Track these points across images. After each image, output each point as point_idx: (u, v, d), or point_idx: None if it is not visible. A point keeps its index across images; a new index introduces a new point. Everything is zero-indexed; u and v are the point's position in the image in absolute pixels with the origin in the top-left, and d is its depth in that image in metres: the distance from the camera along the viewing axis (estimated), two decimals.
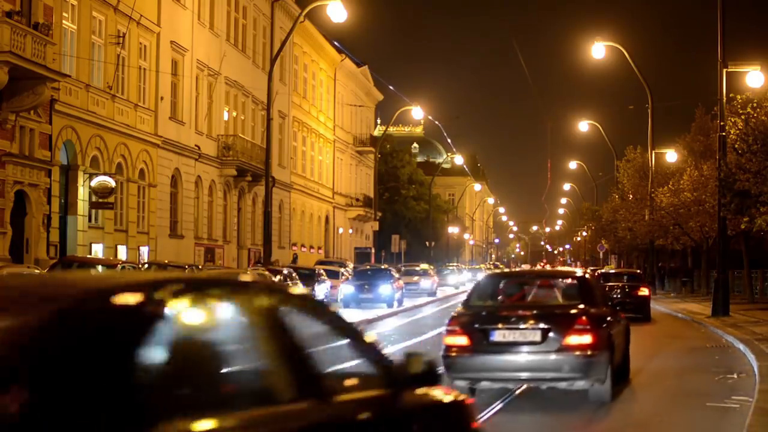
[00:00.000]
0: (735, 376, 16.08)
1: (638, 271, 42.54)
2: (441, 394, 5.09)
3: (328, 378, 4.24)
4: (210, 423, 3.32)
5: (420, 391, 4.77)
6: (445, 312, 32.25)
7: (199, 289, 3.73)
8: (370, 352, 4.64)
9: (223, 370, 3.84)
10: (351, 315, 28.43)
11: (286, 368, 3.89)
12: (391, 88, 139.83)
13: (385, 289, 36.90)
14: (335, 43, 67.07)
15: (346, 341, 4.57)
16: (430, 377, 4.79)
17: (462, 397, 5.53)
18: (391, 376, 4.58)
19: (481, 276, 73.54)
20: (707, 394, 14.05)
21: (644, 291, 30.60)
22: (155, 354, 3.28)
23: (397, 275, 40.90)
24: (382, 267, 45.16)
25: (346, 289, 37.39)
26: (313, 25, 59.88)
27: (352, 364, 4.82)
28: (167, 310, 3.42)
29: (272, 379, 3.87)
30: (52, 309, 3.21)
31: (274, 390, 3.83)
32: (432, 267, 62.01)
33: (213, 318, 3.80)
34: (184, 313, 3.53)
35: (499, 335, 11.88)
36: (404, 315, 34.51)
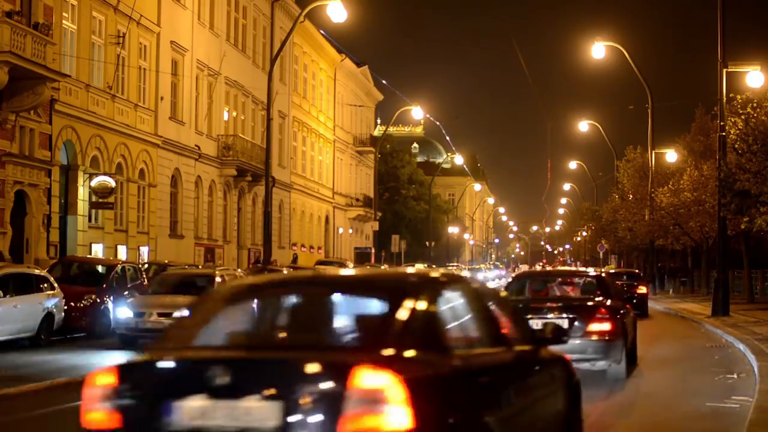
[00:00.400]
0: (735, 376, 16.09)
1: (636, 270, 43.27)
2: (557, 351, 8.19)
3: (507, 336, 7.16)
4: (465, 351, 6.18)
5: (549, 348, 7.91)
6: None
7: (451, 280, 6.99)
8: (524, 323, 7.99)
9: (465, 325, 6.59)
10: None
11: (491, 328, 6.94)
12: (391, 88, 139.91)
13: None
14: (335, 43, 67.19)
15: (511, 315, 7.55)
16: (557, 339, 7.83)
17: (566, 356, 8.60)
18: (535, 337, 7.71)
19: (481, 276, 73.55)
20: (707, 394, 14.07)
21: (642, 289, 32.98)
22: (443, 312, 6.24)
23: None
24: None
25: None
26: (313, 25, 59.88)
27: (515, 329, 7.54)
28: (444, 290, 6.54)
29: (487, 332, 6.82)
30: (413, 284, 6.39)
31: (487, 339, 6.74)
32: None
33: (457, 296, 6.70)
34: (447, 292, 6.55)
35: (532, 324, 11.64)
36: None
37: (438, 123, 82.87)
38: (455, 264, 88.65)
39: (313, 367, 5.17)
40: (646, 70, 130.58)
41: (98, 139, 33.80)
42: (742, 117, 28.51)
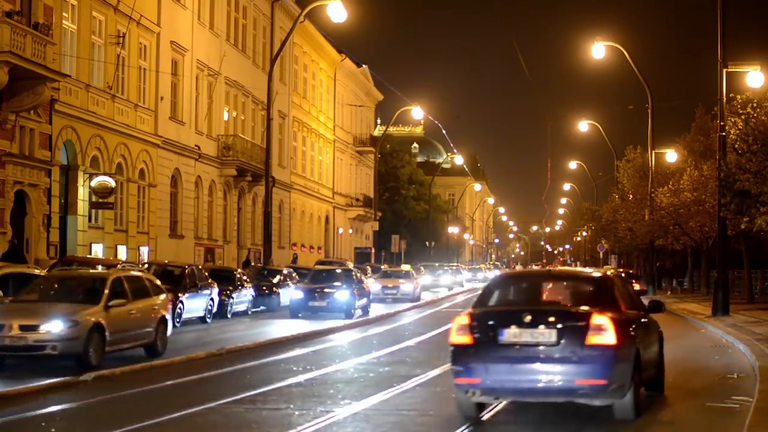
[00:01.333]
0: (735, 376, 16.09)
1: (631, 270, 43.72)
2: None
3: (637, 304, 13.04)
4: (628, 310, 12.32)
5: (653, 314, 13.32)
6: (420, 324, 30.13)
7: (616, 274, 14.16)
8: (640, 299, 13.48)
9: (624, 298, 12.64)
10: (294, 327, 25.64)
11: (631, 300, 12.89)
12: (391, 88, 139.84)
13: (341, 295, 30.17)
14: (335, 43, 67.14)
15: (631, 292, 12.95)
16: (658, 308, 13.84)
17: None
18: (646, 307, 13.56)
19: (481, 276, 72.68)
20: (707, 394, 14.07)
21: (636, 286, 34.55)
22: None
23: (363, 277, 34.62)
24: (343, 267, 37.10)
25: (294, 294, 31.00)
26: (313, 25, 59.85)
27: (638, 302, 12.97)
28: (616, 279, 13.26)
29: (630, 302, 12.59)
30: (601, 276, 12.74)
31: (631, 305, 12.47)
32: (414, 268, 56.42)
33: (620, 282, 13.20)
34: (617, 280, 13.09)
35: (518, 337, 13.67)
36: (359, 329, 27.26)
37: (438, 123, 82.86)
38: (455, 264, 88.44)
39: (573, 313, 11.41)
40: (646, 70, 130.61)
41: (98, 139, 33.79)
42: (742, 117, 28.51)
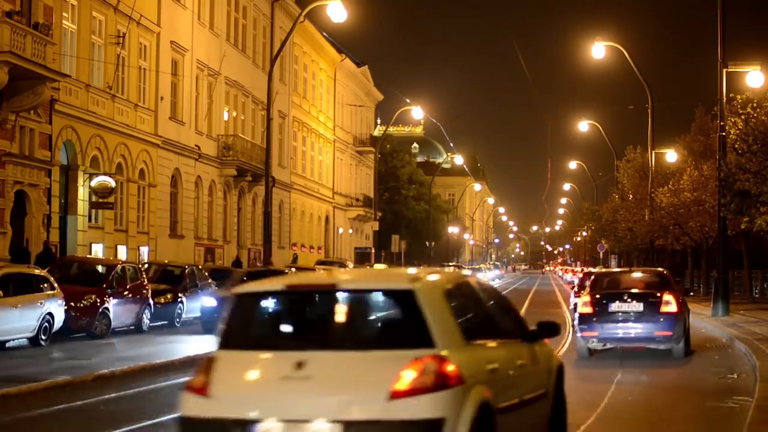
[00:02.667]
0: (735, 376, 16.09)
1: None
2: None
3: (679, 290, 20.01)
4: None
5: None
6: None
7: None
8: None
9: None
10: (198, 346, 20.07)
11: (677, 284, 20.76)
12: (391, 88, 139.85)
13: None
14: (335, 43, 67.13)
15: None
16: (688, 293, 23.76)
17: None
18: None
19: (481, 276, 72.50)
20: (707, 394, 14.07)
21: None
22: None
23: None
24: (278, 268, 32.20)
25: (206, 302, 24.93)
26: (313, 25, 59.86)
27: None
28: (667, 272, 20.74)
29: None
30: (662, 271, 20.95)
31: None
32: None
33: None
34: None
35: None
36: None
37: (438, 123, 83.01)
38: (454, 264, 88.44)
39: (651, 293, 18.51)
40: (646, 70, 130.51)
41: (98, 139, 33.79)
42: (742, 117, 28.51)
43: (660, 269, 21.83)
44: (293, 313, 7.64)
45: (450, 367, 6.72)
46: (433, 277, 7.82)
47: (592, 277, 21.07)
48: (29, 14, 28.48)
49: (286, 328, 7.68)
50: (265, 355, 7.17)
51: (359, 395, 6.65)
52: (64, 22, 31.19)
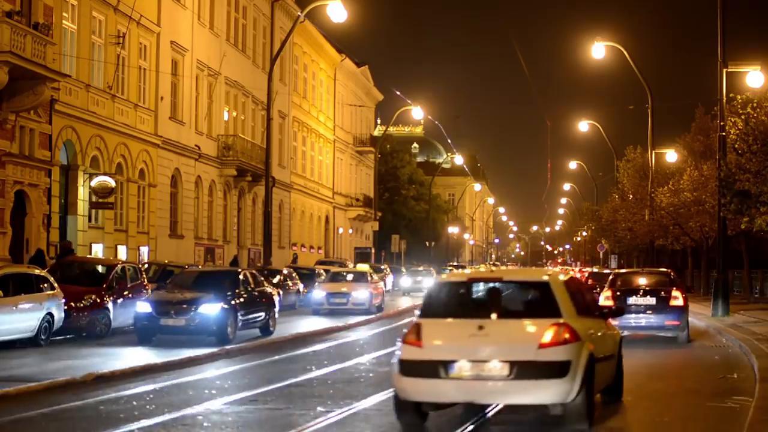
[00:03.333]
0: (735, 376, 16.10)
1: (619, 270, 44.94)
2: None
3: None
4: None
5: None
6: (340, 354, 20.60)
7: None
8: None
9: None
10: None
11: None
12: (391, 88, 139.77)
13: (208, 308, 20.84)
14: (335, 43, 67.11)
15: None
16: (689, 290, 35.30)
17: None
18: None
19: None
20: (707, 394, 14.07)
21: None
22: None
23: (268, 287, 24.77)
24: (227, 268, 31.87)
25: (143, 308, 21.49)
26: (313, 25, 59.83)
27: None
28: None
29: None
30: (668, 271, 25.16)
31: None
32: (371, 269, 45.60)
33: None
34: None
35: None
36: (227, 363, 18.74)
37: (438, 123, 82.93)
38: (454, 264, 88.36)
39: (663, 289, 22.71)
40: (646, 70, 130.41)
41: (98, 139, 33.78)
42: (742, 117, 28.51)
43: (666, 270, 25.52)
44: (473, 294, 11.83)
45: (572, 330, 10.72)
46: (557, 274, 12.26)
47: (611, 276, 25.35)
48: (29, 14, 28.46)
49: (469, 304, 11.73)
50: (457, 321, 11.17)
51: (519, 346, 10.60)
52: (64, 22, 31.18)
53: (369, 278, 35.44)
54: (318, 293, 33.43)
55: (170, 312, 20.87)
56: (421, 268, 59.71)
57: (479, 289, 11.87)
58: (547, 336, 10.53)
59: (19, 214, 28.76)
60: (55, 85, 29.31)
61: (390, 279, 53.45)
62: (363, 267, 39.86)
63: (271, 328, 23.65)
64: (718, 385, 15.14)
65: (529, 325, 10.85)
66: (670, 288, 22.53)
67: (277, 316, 24.46)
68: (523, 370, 10.45)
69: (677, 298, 22.11)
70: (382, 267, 55.67)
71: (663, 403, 13.56)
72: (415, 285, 52.12)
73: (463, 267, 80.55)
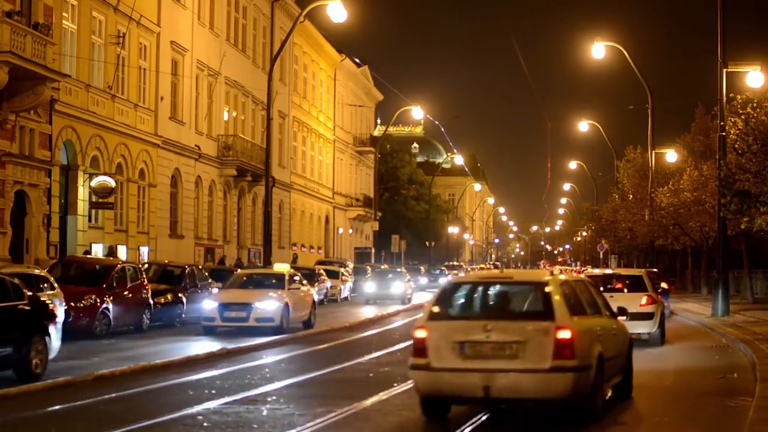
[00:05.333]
0: (735, 376, 16.10)
1: (654, 269, 45.49)
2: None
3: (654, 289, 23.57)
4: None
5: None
6: None
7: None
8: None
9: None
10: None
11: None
12: (391, 88, 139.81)
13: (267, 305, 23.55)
14: (335, 43, 67.11)
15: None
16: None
17: None
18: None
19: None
20: (707, 394, 14.07)
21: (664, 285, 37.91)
22: None
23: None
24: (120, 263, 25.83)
25: (208, 304, 24.31)
26: (313, 25, 59.84)
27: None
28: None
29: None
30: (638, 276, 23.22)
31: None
32: (345, 266, 48.84)
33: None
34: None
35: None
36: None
37: (438, 123, 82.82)
38: (454, 263, 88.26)
39: (636, 293, 21.86)
40: (646, 70, 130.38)
41: (98, 139, 33.78)
42: (742, 117, 28.49)
43: (640, 273, 23.98)
44: (479, 294, 12.48)
45: (571, 334, 11.09)
46: (561, 276, 12.99)
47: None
48: (29, 14, 28.46)
49: (477, 303, 12.39)
50: (464, 323, 11.76)
51: (526, 351, 11.04)
52: (64, 22, 31.18)
53: (286, 283, 25.74)
54: (209, 304, 24.29)
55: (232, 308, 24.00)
56: (387, 267, 52.39)
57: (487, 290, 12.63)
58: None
59: (19, 214, 28.76)
60: (55, 85, 29.31)
61: (350, 283, 46.63)
62: (281, 267, 28.87)
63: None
64: (718, 385, 15.14)
65: (530, 327, 11.31)
66: (641, 293, 21.98)
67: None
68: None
69: (644, 306, 21.51)
70: (346, 267, 49.77)
71: (663, 403, 13.56)
72: (382, 291, 42.83)
73: (461, 267, 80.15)
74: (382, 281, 43.99)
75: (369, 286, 43.86)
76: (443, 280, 59.63)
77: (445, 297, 12.14)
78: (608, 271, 27.26)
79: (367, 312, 35.89)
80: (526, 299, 12.02)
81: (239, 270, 30.76)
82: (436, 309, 11.81)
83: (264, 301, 24.32)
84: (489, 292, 12.33)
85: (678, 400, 13.86)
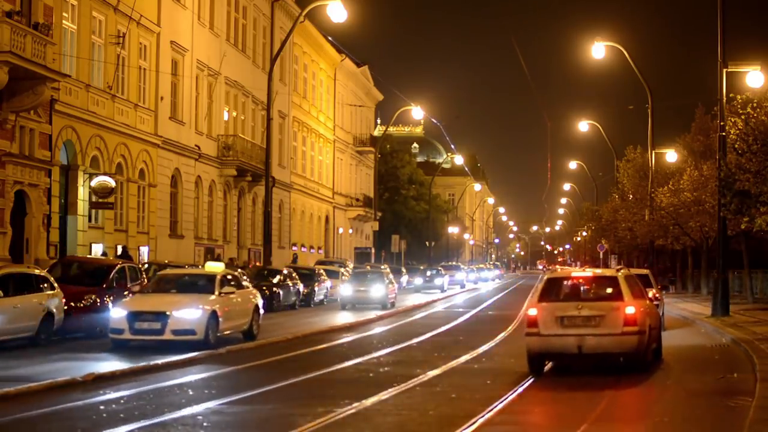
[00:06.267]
0: (735, 376, 16.09)
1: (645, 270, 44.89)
2: None
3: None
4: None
5: None
6: None
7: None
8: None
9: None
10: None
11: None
12: (391, 88, 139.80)
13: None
14: (335, 43, 67.10)
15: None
16: (667, 288, 38.94)
17: None
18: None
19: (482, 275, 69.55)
20: (707, 394, 14.07)
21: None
22: None
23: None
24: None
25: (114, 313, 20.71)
26: (313, 25, 59.85)
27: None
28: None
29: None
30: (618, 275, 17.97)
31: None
32: (345, 266, 49.00)
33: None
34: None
35: None
36: None
37: (438, 123, 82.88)
38: (453, 263, 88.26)
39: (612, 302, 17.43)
40: (646, 70, 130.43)
41: (98, 139, 33.79)
42: (742, 117, 28.49)
43: (613, 273, 19.18)
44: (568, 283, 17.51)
45: (635, 310, 16.11)
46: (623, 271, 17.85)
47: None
48: (29, 14, 28.47)
49: (571, 291, 17.21)
50: (563, 304, 16.59)
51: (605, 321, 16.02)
52: (64, 22, 31.18)
53: (217, 286, 21.45)
54: (117, 313, 20.25)
55: None
56: (368, 268, 45.73)
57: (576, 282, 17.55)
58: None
59: (19, 214, 28.76)
60: (55, 85, 29.31)
61: (327, 284, 41.88)
62: (214, 266, 23.37)
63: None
64: (718, 385, 15.14)
65: (612, 305, 16.35)
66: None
67: None
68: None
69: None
70: (346, 267, 48.30)
71: (663, 403, 13.56)
72: (359, 293, 37.06)
73: (459, 267, 79.43)
74: (360, 284, 37.68)
75: (345, 290, 37.50)
76: (438, 281, 59.46)
77: (547, 287, 17.08)
78: (578, 272, 18.48)
79: (337, 319, 30.96)
80: (604, 287, 16.93)
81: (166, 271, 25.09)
82: (542, 295, 16.76)
83: (183, 309, 20.08)
84: (577, 283, 17.42)
85: (678, 400, 13.86)
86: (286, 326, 26.66)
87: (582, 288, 17.25)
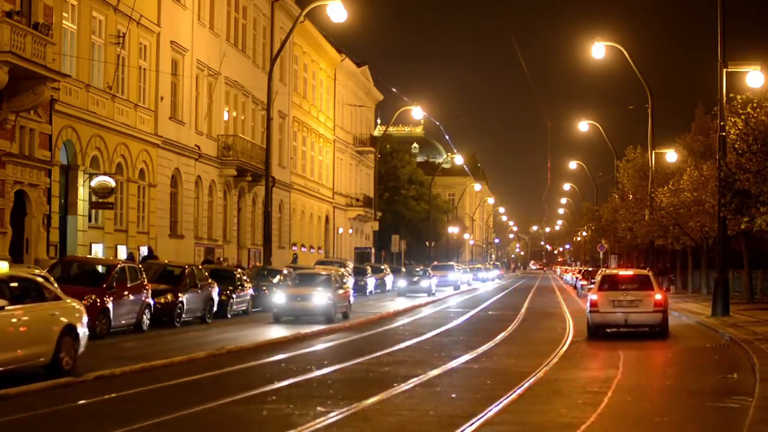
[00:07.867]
0: (735, 376, 16.10)
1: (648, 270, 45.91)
2: None
3: None
4: None
5: None
6: None
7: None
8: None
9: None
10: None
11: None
12: (391, 88, 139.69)
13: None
14: (335, 43, 67.12)
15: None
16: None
17: None
18: None
19: (482, 275, 69.51)
20: (707, 394, 14.08)
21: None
22: None
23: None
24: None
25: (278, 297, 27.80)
26: (313, 25, 59.85)
27: None
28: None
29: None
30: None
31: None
32: (345, 266, 43.10)
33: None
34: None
35: None
36: None
37: (438, 123, 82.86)
38: (454, 263, 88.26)
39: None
40: (646, 70, 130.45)
41: (98, 139, 33.79)
42: (742, 117, 28.51)
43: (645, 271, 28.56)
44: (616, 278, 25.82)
45: (662, 296, 24.59)
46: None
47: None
48: (29, 14, 28.47)
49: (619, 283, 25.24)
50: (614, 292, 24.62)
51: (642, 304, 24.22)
52: (64, 22, 31.18)
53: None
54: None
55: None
56: (315, 267, 40.65)
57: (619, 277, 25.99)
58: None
59: (19, 214, 28.76)
60: (55, 85, 29.31)
61: (249, 292, 32.50)
62: (139, 263, 22.45)
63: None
64: (718, 385, 15.14)
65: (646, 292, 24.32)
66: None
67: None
68: None
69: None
70: (346, 267, 45.05)
71: (663, 403, 13.57)
72: (297, 302, 28.71)
73: (452, 267, 78.45)
74: (299, 289, 29.25)
75: (278, 297, 28.73)
76: (425, 283, 50.62)
77: (603, 280, 25.25)
78: (623, 271, 28.29)
79: (264, 334, 24.33)
80: (640, 281, 24.80)
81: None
82: (600, 285, 24.73)
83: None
84: (623, 278, 25.40)
85: (678, 400, 13.86)
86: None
87: (625, 280, 25.12)
